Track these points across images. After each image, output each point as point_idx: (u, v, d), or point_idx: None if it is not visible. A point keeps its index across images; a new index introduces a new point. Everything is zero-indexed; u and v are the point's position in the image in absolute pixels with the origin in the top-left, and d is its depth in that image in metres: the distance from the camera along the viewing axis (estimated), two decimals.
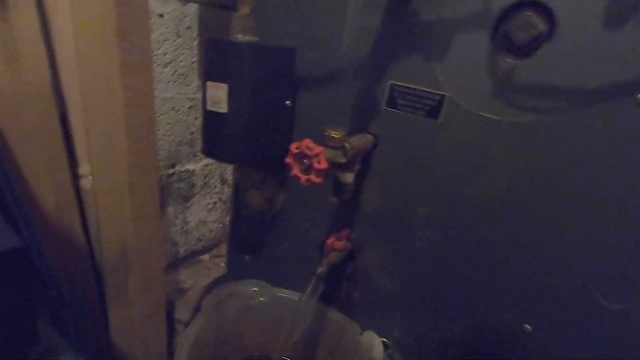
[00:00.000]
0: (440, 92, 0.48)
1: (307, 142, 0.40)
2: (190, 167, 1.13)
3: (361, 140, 0.50)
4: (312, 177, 0.41)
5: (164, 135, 0.99)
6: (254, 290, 0.68)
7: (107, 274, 0.49)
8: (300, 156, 0.41)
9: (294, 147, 0.41)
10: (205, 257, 1.33)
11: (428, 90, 0.49)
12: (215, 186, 1.27)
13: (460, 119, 0.48)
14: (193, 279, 1.20)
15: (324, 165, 0.40)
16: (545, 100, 0.42)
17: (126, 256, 0.46)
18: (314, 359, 0.67)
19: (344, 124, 0.56)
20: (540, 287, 0.47)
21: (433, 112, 0.50)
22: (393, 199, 0.56)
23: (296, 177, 0.42)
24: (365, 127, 0.55)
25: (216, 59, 0.47)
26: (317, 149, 0.40)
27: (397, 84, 0.51)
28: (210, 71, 0.52)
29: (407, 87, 0.51)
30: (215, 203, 1.28)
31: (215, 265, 1.27)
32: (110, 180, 0.48)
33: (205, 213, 1.27)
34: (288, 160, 0.42)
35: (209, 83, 0.53)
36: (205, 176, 1.22)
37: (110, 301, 0.53)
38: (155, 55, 0.78)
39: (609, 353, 0.44)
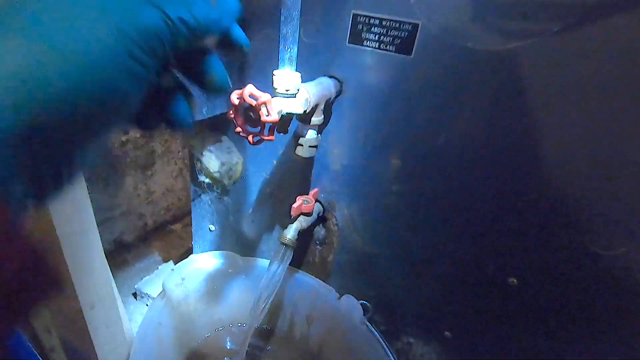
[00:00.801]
0: (411, 21, 0.40)
1: (250, 88, 0.32)
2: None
3: (322, 86, 0.43)
4: (261, 134, 0.34)
5: None
6: (220, 261, 0.62)
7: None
8: (244, 107, 0.33)
9: (234, 97, 0.33)
10: (178, 226, 1.26)
11: (398, 19, 0.41)
12: (179, 151, 1.17)
13: (435, 52, 0.40)
14: (165, 250, 1.14)
15: (274, 117, 0.32)
16: (533, 21, 0.35)
17: (51, 246, 0.39)
18: (292, 327, 0.64)
19: (300, 67, 0.47)
20: (525, 237, 0.43)
21: (405, 46, 0.42)
22: (363, 152, 0.49)
23: (241, 135, 0.35)
24: (327, 70, 0.47)
25: None
26: (264, 96, 0.32)
27: (360, 14, 0.43)
28: None
29: (373, 17, 0.42)
30: (180, 169, 1.19)
31: (188, 234, 1.21)
32: None
33: (171, 180, 1.19)
34: (230, 115, 0.34)
35: None
36: (166, 141, 1.12)
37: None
38: None
39: (597, 302, 0.42)
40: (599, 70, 0.34)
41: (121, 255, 1.06)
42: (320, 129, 0.47)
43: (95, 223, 0.45)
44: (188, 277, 0.60)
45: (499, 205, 0.43)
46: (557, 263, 0.42)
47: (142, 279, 0.90)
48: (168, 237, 1.21)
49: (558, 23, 0.34)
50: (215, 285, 0.62)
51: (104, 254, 0.50)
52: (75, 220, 0.41)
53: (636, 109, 0.34)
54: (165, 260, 1.05)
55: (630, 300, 0.40)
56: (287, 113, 0.37)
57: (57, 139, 0.15)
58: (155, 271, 0.95)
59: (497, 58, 0.38)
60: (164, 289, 0.56)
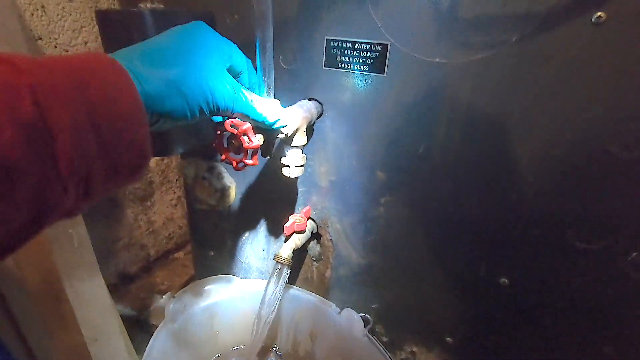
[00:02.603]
0: (381, 42, 0.43)
1: (231, 120, 0.34)
2: None
3: (302, 109, 0.45)
4: (244, 159, 0.36)
5: None
6: (220, 285, 0.63)
7: (37, 301, 0.43)
8: (227, 137, 0.36)
9: (217, 130, 0.35)
10: (180, 254, 1.27)
11: (368, 41, 0.43)
12: (176, 180, 1.19)
13: (406, 69, 0.43)
14: (170, 279, 1.15)
15: (254, 143, 0.34)
16: (492, 34, 0.37)
17: (52, 279, 0.41)
18: (296, 345, 0.64)
19: (282, 92, 0.50)
20: (511, 237, 0.44)
21: (377, 65, 0.44)
22: (349, 168, 0.51)
23: (227, 162, 0.36)
24: (307, 93, 0.50)
25: (115, 36, 0.40)
26: (244, 124, 0.34)
27: (333, 39, 0.45)
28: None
29: (345, 40, 0.45)
30: (179, 197, 1.21)
31: (191, 261, 1.22)
32: None
33: (171, 209, 1.20)
34: (215, 145, 0.36)
35: None
36: (163, 171, 1.14)
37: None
38: (74, 47, 0.69)
39: (584, 295, 0.42)
40: (557, 74, 0.36)
41: (125, 287, 1.06)
42: (305, 148, 0.49)
43: (95, 257, 0.47)
44: (190, 303, 0.61)
45: (482, 208, 0.45)
46: (543, 260, 0.43)
47: (147, 309, 0.91)
48: (171, 265, 1.21)
49: (516, 33, 0.37)
50: (218, 310, 0.63)
51: (106, 287, 0.51)
52: (76, 255, 0.42)
53: (593, 108, 0.36)
54: (170, 289, 1.05)
55: (614, 292, 0.40)
56: (269, 138, 0.39)
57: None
58: (159, 300, 0.96)
59: (464, 70, 0.40)
60: (166, 318, 0.57)
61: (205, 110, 0.29)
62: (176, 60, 0.28)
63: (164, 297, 0.99)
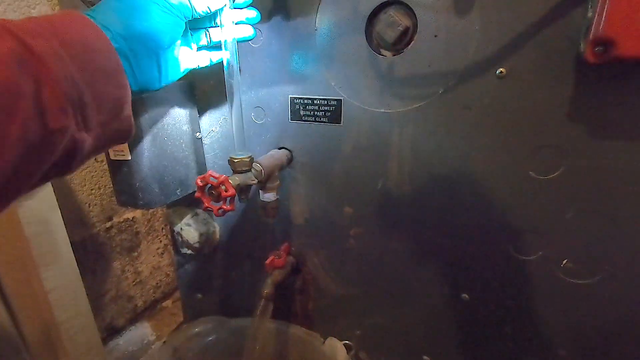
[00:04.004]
0: (336, 97, 0.51)
1: (210, 172, 0.40)
2: (129, 215, 1.09)
3: (273, 158, 0.51)
4: (223, 205, 0.42)
5: (92, 189, 0.95)
6: (209, 327, 0.66)
7: (34, 354, 0.45)
8: (207, 188, 0.41)
9: (198, 181, 0.41)
10: (168, 302, 1.27)
11: (325, 97, 0.51)
12: (162, 229, 1.22)
13: (359, 118, 0.50)
14: (158, 329, 1.15)
15: (231, 192, 0.40)
16: (423, 87, 0.46)
17: (49, 332, 0.44)
18: None
19: (256, 143, 0.57)
20: (465, 255, 0.50)
21: (335, 117, 0.52)
22: (320, 206, 0.57)
23: (208, 210, 0.42)
24: (277, 143, 0.57)
25: None
26: (221, 177, 0.40)
27: (296, 97, 0.53)
28: None
29: (306, 98, 0.52)
30: (165, 246, 1.24)
31: (179, 309, 1.23)
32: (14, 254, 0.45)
33: (158, 258, 1.23)
34: (197, 194, 0.42)
35: None
36: (149, 221, 1.18)
37: None
38: None
39: (532, 301, 0.48)
40: (477, 118, 0.44)
41: (113, 341, 1.06)
42: (280, 191, 0.55)
43: (90, 309, 0.50)
44: (180, 347, 0.63)
45: (436, 232, 0.51)
46: (494, 273, 0.49)
47: None
48: (159, 315, 1.21)
49: (441, 87, 0.45)
50: (208, 351, 0.66)
51: (99, 339, 0.54)
52: (71, 305, 0.46)
53: (511, 143, 0.44)
54: (159, 339, 1.05)
55: (555, 296, 0.47)
56: (244, 185, 0.45)
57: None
58: (149, 351, 0.96)
59: (405, 117, 0.48)
60: None
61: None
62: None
63: (153, 347, 1.00)
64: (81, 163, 0.31)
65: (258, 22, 0.47)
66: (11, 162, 0.24)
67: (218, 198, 0.41)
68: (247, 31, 0.46)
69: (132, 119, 0.35)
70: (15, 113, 0.23)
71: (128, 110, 0.33)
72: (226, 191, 0.40)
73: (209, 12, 0.40)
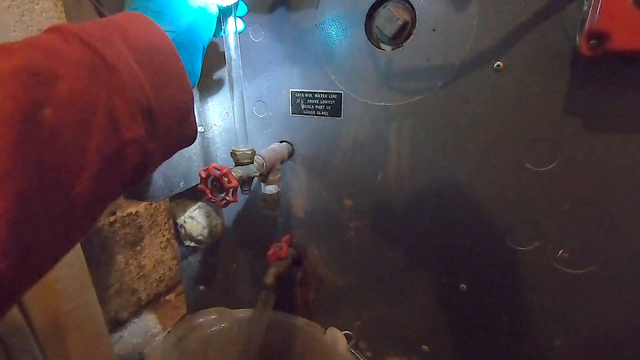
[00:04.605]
0: (336, 91, 0.52)
1: (212, 165, 0.41)
2: (132, 210, 1.10)
3: (274, 151, 0.52)
4: (226, 197, 0.43)
5: None
6: (212, 317, 0.67)
7: (43, 343, 0.47)
8: (210, 179, 0.42)
9: (201, 173, 0.42)
10: (171, 296, 1.29)
11: (325, 91, 0.52)
12: (165, 223, 1.24)
13: (358, 112, 0.51)
14: (162, 322, 1.16)
15: (234, 183, 0.41)
16: (422, 81, 0.46)
17: (57, 321, 0.45)
18: None
19: (258, 137, 0.58)
20: (462, 246, 0.51)
21: (335, 110, 0.53)
22: (320, 198, 0.58)
23: (212, 201, 0.43)
24: (279, 137, 0.57)
25: None
26: (224, 168, 0.41)
27: (296, 91, 0.54)
28: None
29: (307, 92, 0.53)
30: (168, 240, 1.25)
31: (182, 302, 1.24)
32: None
33: (161, 252, 1.24)
34: (200, 186, 0.43)
35: None
36: (152, 215, 1.19)
37: None
38: None
39: (528, 292, 0.49)
40: (476, 111, 0.45)
41: (117, 333, 1.07)
42: (281, 184, 0.56)
43: (97, 299, 0.51)
44: (184, 338, 0.65)
45: (434, 223, 0.52)
46: (491, 263, 0.50)
47: (139, 353, 0.93)
48: (163, 308, 1.23)
49: (440, 81, 0.46)
50: (211, 342, 0.67)
51: (106, 328, 0.55)
52: (78, 295, 0.47)
53: (507, 134, 0.44)
54: (162, 332, 1.07)
55: (551, 286, 0.47)
56: (247, 177, 0.46)
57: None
58: (152, 344, 0.97)
59: (404, 110, 0.49)
60: (162, 352, 0.61)
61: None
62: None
63: (156, 339, 1.01)
64: (151, 173, 0.29)
65: (260, 16, 0.48)
66: (94, 180, 0.23)
67: (221, 189, 0.42)
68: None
69: (196, 123, 0.33)
70: (93, 126, 0.22)
71: (193, 114, 0.32)
72: (229, 182, 0.41)
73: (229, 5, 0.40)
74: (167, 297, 1.27)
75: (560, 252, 0.47)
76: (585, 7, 0.36)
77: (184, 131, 0.31)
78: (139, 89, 0.25)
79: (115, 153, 0.24)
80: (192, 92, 0.31)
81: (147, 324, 1.16)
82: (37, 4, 0.64)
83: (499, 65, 0.42)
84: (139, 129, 0.25)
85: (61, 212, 0.21)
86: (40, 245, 0.20)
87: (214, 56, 0.56)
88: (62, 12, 0.67)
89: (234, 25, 0.44)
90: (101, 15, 0.54)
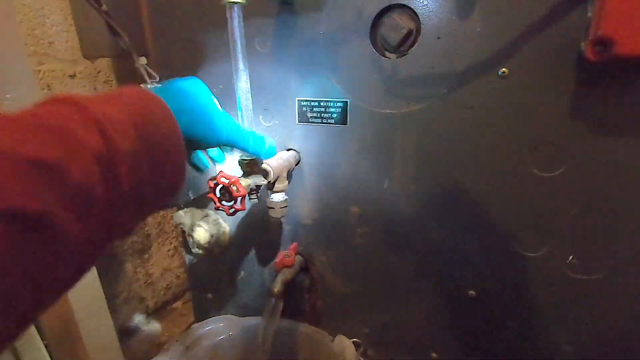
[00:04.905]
0: (342, 99, 0.52)
1: (221, 173, 0.42)
2: None
3: (281, 159, 0.53)
4: (234, 205, 0.43)
5: None
6: (220, 325, 0.68)
7: (53, 350, 0.47)
8: (219, 188, 0.43)
9: (210, 182, 0.42)
10: (178, 304, 1.29)
11: (331, 99, 0.53)
12: (172, 230, 1.24)
13: (364, 120, 0.52)
14: (169, 329, 1.17)
15: (242, 191, 0.42)
16: (427, 88, 0.47)
17: (68, 329, 0.45)
18: None
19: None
20: (470, 252, 0.51)
21: (341, 118, 0.53)
22: (327, 205, 0.59)
23: (220, 209, 0.44)
24: (286, 145, 0.58)
25: None
26: (232, 177, 0.42)
27: (303, 100, 0.54)
28: None
29: (313, 100, 0.54)
30: (175, 247, 1.26)
31: (189, 310, 1.24)
32: None
33: (168, 260, 1.24)
34: (209, 195, 0.44)
35: None
36: (159, 223, 1.20)
37: None
38: None
39: (537, 297, 0.49)
40: (481, 117, 0.45)
41: (125, 342, 1.08)
42: (288, 192, 0.56)
43: (107, 307, 0.52)
44: (191, 346, 0.65)
45: (442, 230, 0.52)
46: (500, 269, 0.50)
47: None
48: (170, 316, 1.23)
49: (444, 87, 0.46)
50: (219, 350, 0.67)
51: (116, 337, 0.55)
52: (89, 303, 0.48)
53: (514, 141, 0.44)
54: (170, 340, 1.07)
55: (561, 291, 0.47)
56: (255, 186, 0.46)
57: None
58: (160, 352, 0.97)
59: (409, 117, 0.49)
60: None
61: (215, 139, 0.37)
62: (194, 99, 0.36)
63: (164, 347, 1.01)
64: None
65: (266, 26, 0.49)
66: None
67: (230, 198, 0.43)
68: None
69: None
70: (88, 219, 0.21)
71: (179, 195, 0.32)
72: (237, 191, 0.42)
73: None
74: (174, 305, 1.27)
75: (570, 258, 0.46)
76: (589, 14, 0.37)
77: (157, 210, 0.33)
78: (139, 183, 0.25)
79: (107, 238, 0.24)
80: (185, 180, 0.32)
81: (154, 332, 1.16)
82: (48, 18, 0.65)
83: (504, 72, 0.43)
84: (127, 220, 0.26)
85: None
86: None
87: (222, 65, 0.56)
88: (71, 25, 0.68)
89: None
90: (111, 28, 0.56)
